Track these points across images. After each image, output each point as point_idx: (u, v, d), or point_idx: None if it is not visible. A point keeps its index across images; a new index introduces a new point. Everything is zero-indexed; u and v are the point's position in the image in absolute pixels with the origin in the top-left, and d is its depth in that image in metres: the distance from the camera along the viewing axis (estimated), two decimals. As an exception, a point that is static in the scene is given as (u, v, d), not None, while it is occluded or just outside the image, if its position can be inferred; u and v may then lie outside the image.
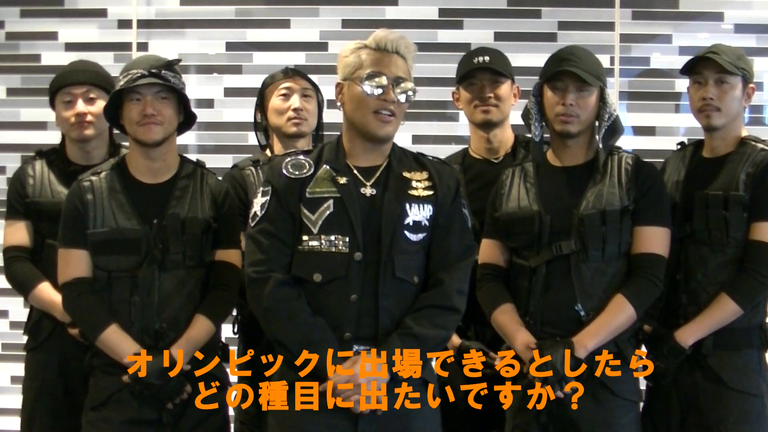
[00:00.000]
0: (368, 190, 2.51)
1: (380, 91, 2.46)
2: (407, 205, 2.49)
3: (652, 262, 2.74)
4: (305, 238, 2.47)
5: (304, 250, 2.47)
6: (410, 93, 2.50)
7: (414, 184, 2.53)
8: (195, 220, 2.78)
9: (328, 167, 2.52)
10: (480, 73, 3.12)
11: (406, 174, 2.54)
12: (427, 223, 2.51)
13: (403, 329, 2.44)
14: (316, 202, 2.48)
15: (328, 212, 2.47)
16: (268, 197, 2.51)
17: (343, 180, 2.50)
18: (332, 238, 2.46)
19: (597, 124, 2.81)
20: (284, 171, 2.52)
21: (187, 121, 2.86)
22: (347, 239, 2.45)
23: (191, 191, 2.82)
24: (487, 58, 3.13)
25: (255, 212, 2.53)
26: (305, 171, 2.53)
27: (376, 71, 2.46)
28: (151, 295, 2.72)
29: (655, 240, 2.75)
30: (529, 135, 2.95)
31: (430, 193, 2.53)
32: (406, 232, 2.48)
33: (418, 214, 2.50)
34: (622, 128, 2.84)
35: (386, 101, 2.46)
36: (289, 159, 2.56)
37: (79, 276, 2.74)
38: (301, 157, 2.57)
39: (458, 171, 2.84)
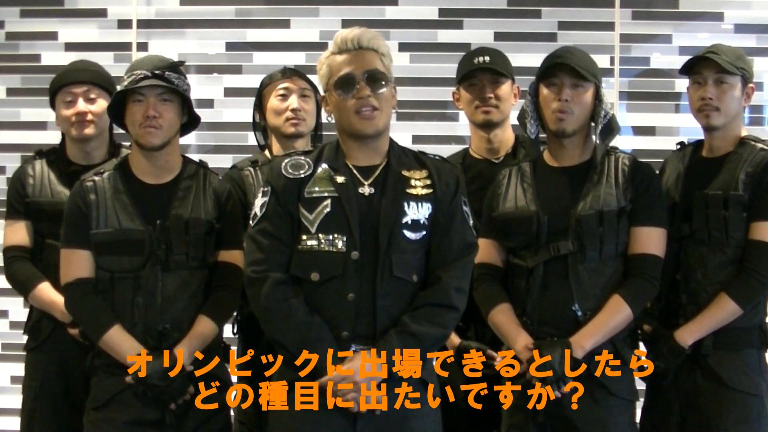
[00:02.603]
0: (366, 190, 2.51)
1: (352, 91, 2.46)
2: (405, 204, 2.49)
3: (649, 262, 2.74)
4: (304, 237, 2.48)
5: (302, 250, 2.48)
6: (385, 82, 2.48)
7: (413, 182, 2.52)
8: (198, 221, 2.78)
9: (326, 167, 2.52)
10: (480, 73, 3.12)
11: (405, 173, 2.54)
12: (426, 222, 2.51)
13: (401, 327, 2.45)
14: (314, 202, 2.48)
15: (325, 211, 2.47)
16: (267, 198, 2.52)
17: (341, 179, 2.50)
18: (330, 237, 2.46)
19: (593, 124, 2.82)
20: (283, 171, 2.53)
21: (191, 122, 2.86)
22: (345, 238, 2.45)
23: (194, 192, 2.82)
24: (487, 58, 3.13)
25: (255, 212, 2.54)
26: (304, 171, 2.53)
27: (343, 74, 2.47)
28: (155, 296, 2.72)
29: (651, 240, 2.75)
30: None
31: (429, 191, 2.52)
32: (404, 231, 2.48)
33: (417, 212, 2.50)
34: (618, 127, 2.85)
35: (362, 99, 2.46)
36: (288, 159, 2.57)
37: (81, 276, 2.74)
38: (301, 157, 2.57)
39: (459, 169, 2.83)
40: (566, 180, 2.82)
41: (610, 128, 2.81)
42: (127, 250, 2.72)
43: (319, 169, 2.53)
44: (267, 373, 2.56)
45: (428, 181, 2.54)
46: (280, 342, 2.46)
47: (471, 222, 2.62)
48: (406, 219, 2.49)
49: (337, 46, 2.51)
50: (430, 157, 2.62)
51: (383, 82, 2.48)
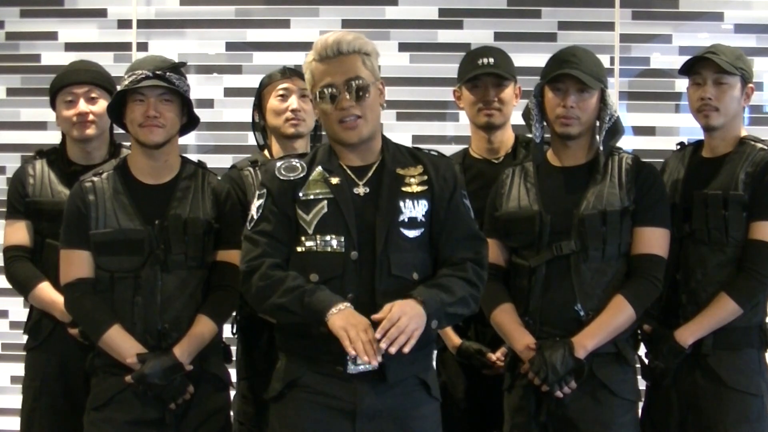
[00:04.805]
0: (361, 189, 2.51)
1: (335, 101, 2.45)
2: (401, 202, 2.48)
3: (652, 262, 2.74)
4: (302, 239, 2.47)
5: (300, 251, 2.47)
6: (367, 88, 2.46)
7: (408, 180, 2.52)
8: (197, 221, 2.78)
9: (320, 169, 2.52)
10: (484, 75, 3.11)
11: (399, 171, 2.53)
12: (423, 219, 2.50)
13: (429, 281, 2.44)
14: (310, 204, 2.48)
15: (322, 213, 2.47)
16: (263, 200, 2.52)
17: (335, 180, 2.49)
18: (327, 238, 2.45)
19: (598, 124, 2.82)
20: (277, 174, 2.52)
21: (190, 123, 2.87)
22: (342, 239, 2.45)
23: (193, 192, 2.83)
24: (491, 60, 3.10)
25: (251, 215, 2.53)
26: (298, 173, 2.52)
27: (324, 85, 2.46)
28: (154, 296, 2.72)
29: (654, 241, 2.75)
30: (529, 135, 2.95)
31: (425, 188, 2.52)
32: (401, 229, 2.47)
33: (413, 210, 2.49)
34: (623, 129, 2.85)
35: (343, 109, 2.45)
36: (282, 162, 2.56)
37: (81, 276, 2.75)
38: (294, 160, 2.57)
39: (454, 162, 2.82)
40: (569, 180, 2.82)
41: (615, 130, 2.81)
42: (126, 250, 2.73)
43: (314, 172, 2.52)
44: (266, 397, 2.56)
45: (424, 177, 2.53)
46: (278, 304, 2.41)
47: (473, 215, 2.61)
48: (403, 217, 2.48)
49: (317, 52, 2.48)
50: (425, 152, 2.61)
51: (366, 89, 2.46)
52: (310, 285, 2.40)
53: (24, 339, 3.25)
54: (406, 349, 2.31)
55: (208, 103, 4.48)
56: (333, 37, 2.47)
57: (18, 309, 4.30)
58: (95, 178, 2.80)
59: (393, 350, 2.30)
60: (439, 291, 2.41)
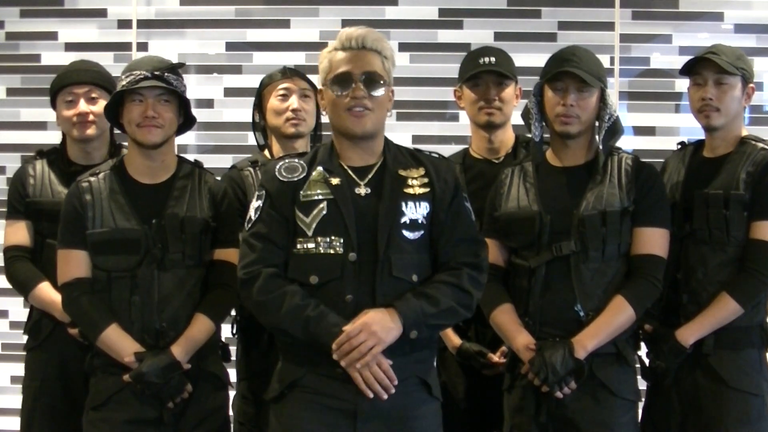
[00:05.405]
0: (362, 190, 2.50)
1: (348, 89, 2.45)
2: (403, 204, 2.48)
3: (652, 263, 2.74)
4: (301, 240, 2.47)
5: (299, 253, 2.47)
6: (381, 85, 2.47)
7: (410, 182, 2.51)
8: (194, 220, 2.78)
9: (321, 169, 2.51)
10: (485, 74, 3.11)
11: (401, 172, 2.53)
12: (424, 221, 2.49)
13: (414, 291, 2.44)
14: (310, 205, 2.47)
15: (322, 214, 2.46)
16: (261, 201, 2.51)
17: (336, 181, 2.49)
18: (328, 239, 2.45)
19: (597, 124, 2.82)
20: (277, 175, 2.52)
21: (186, 123, 2.87)
22: (342, 240, 2.44)
23: (189, 191, 2.83)
24: (492, 59, 3.11)
25: (249, 216, 2.53)
26: (298, 174, 2.52)
27: (342, 71, 2.47)
28: (151, 295, 2.72)
29: (654, 241, 2.75)
30: (529, 135, 2.95)
31: (426, 190, 2.51)
32: (403, 231, 2.46)
33: (415, 212, 2.49)
34: (623, 129, 2.85)
35: (355, 98, 2.45)
36: (282, 163, 2.56)
37: (78, 276, 2.75)
38: (295, 160, 2.56)
39: (454, 162, 2.82)
40: (569, 180, 2.81)
41: (614, 130, 2.81)
42: (123, 250, 2.73)
43: (314, 172, 2.51)
44: (266, 396, 2.55)
45: (425, 180, 2.52)
46: (282, 329, 2.44)
47: (473, 218, 2.61)
48: (405, 219, 2.47)
49: (341, 42, 2.50)
50: (426, 154, 2.60)
51: (380, 85, 2.48)
52: (311, 306, 2.39)
53: (24, 339, 3.25)
54: (358, 366, 2.36)
55: (208, 103, 4.49)
56: (359, 31, 2.49)
57: (18, 309, 4.30)
58: (92, 178, 2.80)
59: (343, 364, 2.36)
60: (423, 302, 2.41)
